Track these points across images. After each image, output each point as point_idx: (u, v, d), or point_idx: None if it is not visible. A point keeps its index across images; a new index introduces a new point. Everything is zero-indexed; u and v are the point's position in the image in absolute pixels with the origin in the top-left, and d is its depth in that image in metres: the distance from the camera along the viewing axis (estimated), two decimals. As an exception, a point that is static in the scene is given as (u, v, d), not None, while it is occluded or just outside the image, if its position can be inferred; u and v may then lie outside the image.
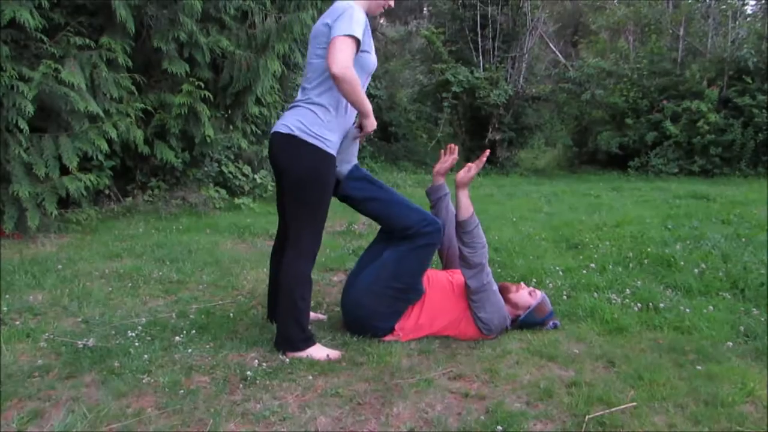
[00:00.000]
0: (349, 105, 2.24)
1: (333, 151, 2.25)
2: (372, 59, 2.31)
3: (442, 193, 2.72)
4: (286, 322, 2.25)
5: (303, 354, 2.23)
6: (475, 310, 2.41)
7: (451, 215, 2.67)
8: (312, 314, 2.62)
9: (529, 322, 2.54)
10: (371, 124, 2.28)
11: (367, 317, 2.40)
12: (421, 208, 2.43)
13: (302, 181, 2.20)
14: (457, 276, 2.64)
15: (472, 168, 2.52)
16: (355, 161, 2.42)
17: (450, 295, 2.49)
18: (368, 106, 2.21)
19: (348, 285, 2.51)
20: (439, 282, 2.54)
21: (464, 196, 2.47)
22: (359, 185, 2.38)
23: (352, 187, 2.37)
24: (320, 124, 2.20)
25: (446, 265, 2.78)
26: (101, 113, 4.33)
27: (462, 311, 2.44)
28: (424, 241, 2.36)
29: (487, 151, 2.63)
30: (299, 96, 2.30)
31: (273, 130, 2.29)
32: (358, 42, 2.11)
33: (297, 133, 2.18)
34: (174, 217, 5.23)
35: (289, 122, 2.22)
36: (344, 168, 2.37)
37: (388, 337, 2.41)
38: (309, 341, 2.27)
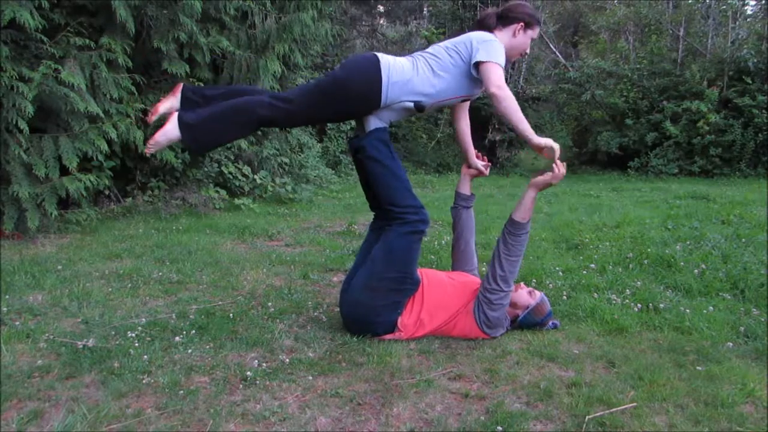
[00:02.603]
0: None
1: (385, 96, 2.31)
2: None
3: (470, 204, 2.84)
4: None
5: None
6: (487, 309, 2.40)
7: (469, 222, 2.81)
8: None
9: (528, 322, 2.54)
10: (536, 146, 2.33)
11: (366, 314, 2.40)
12: (417, 199, 2.42)
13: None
14: (456, 275, 2.65)
15: (550, 176, 2.37)
16: (387, 125, 2.42)
17: (449, 290, 2.50)
18: (526, 123, 2.29)
19: (344, 288, 2.52)
20: (438, 279, 2.55)
21: (531, 199, 2.41)
22: (377, 145, 2.37)
23: (369, 144, 2.37)
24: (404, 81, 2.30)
25: (455, 267, 2.82)
26: (101, 113, 4.32)
27: (461, 307, 2.45)
28: (409, 228, 2.36)
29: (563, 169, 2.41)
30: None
31: None
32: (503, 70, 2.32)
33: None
34: (174, 217, 5.23)
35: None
36: (374, 123, 2.38)
37: (389, 337, 2.41)
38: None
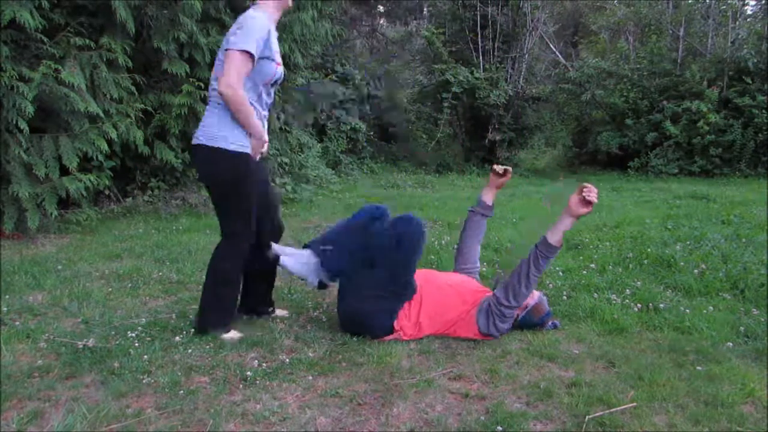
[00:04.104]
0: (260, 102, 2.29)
1: (247, 150, 2.26)
2: (272, 67, 2.28)
3: (488, 214, 2.86)
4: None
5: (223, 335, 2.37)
6: (498, 321, 2.41)
7: (482, 230, 2.85)
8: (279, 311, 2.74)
9: (527, 322, 2.54)
10: (257, 145, 2.30)
11: (363, 318, 2.40)
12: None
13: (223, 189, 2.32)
14: (454, 278, 2.65)
15: (585, 206, 2.33)
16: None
17: (449, 294, 2.49)
18: (255, 126, 2.25)
19: (341, 290, 2.52)
20: (438, 282, 2.54)
21: (567, 226, 2.38)
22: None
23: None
24: (224, 124, 2.23)
25: (456, 263, 2.85)
26: (101, 113, 4.33)
27: (463, 313, 2.44)
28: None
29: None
30: (209, 93, 2.34)
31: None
32: (251, 57, 2.15)
33: (203, 141, 2.24)
34: (174, 217, 5.23)
35: (198, 132, 2.28)
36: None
37: (389, 337, 2.41)
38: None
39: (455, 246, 3.05)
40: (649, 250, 3.74)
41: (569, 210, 2.36)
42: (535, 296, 2.54)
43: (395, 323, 2.41)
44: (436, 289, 2.50)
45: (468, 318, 2.43)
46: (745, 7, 11.55)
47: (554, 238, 2.37)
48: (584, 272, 3.38)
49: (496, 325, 2.40)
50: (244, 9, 2.30)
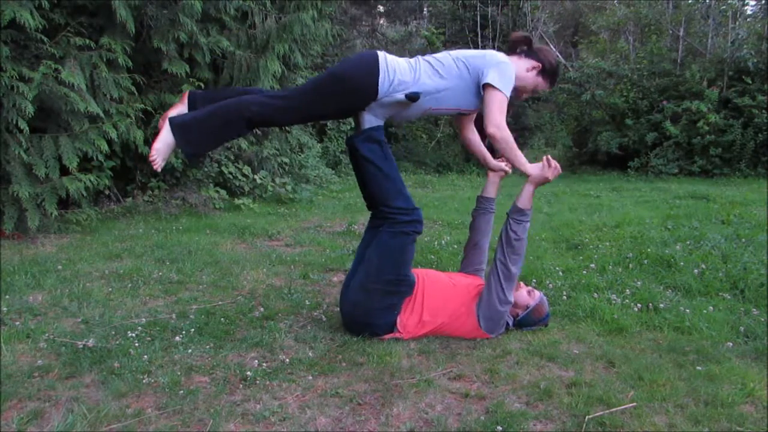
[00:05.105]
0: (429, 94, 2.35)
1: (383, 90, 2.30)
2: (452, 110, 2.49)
3: (491, 210, 2.84)
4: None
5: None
6: (496, 297, 2.42)
7: (487, 228, 2.83)
8: None
9: (527, 321, 2.54)
10: (540, 177, 2.42)
11: (363, 315, 2.41)
12: (411, 200, 2.42)
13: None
14: (455, 277, 2.65)
15: (548, 172, 2.43)
16: (381, 123, 2.41)
17: (450, 291, 2.50)
18: (520, 157, 2.40)
19: (344, 289, 2.53)
20: (439, 280, 2.55)
21: (530, 192, 2.45)
22: (371, 146, 2.38)
23: (362, 144, 2.37)
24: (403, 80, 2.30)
25: (462, 264, 2.85)
26: (101, 113, 4.32)
27: (464, 307, 2.45)
28: (400, 228, 2.37)
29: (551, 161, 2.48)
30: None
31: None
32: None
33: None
34: (174, 217, 5.23)
35: None
36: (368, 120, 2.38)
37: (390, 336, 2.41)
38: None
39: (455, 246, 3.05)
40: (649, 250, 3.74)
41: (532, 179, 2.45)
42: (536, 296, 2.55)
43: (397, 321, 2.41)
44: (439, 286, 2.51)
45: (468, 312, 2.44)
46: (745, 7, 11.55)
47: (521, 202, 2.44)
48: (584, 272, 3.38)
49: (499, 296, 2.39)
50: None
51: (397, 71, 2.31)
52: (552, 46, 12.71)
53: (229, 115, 2.29)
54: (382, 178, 2.38)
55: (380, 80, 2.28)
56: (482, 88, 2.33)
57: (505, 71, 2.32)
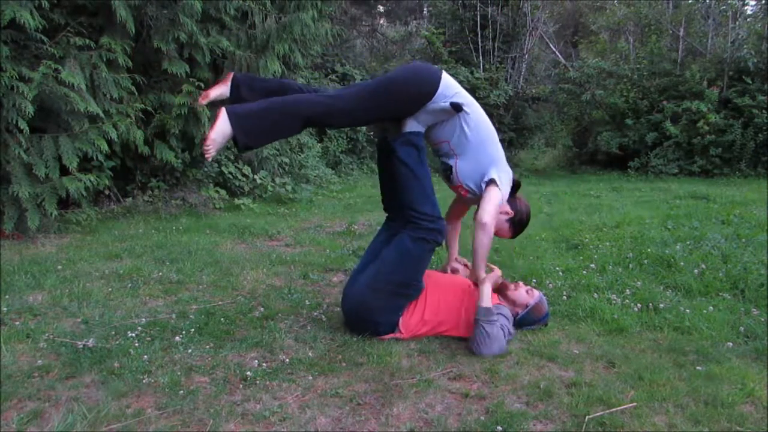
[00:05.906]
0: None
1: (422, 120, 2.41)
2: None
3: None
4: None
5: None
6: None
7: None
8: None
9: (526, 321, 2.55)
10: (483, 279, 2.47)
11: (368, 313, 2.40)
12: (438, 208, 2.45)
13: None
14: (460, 280, 2.66)
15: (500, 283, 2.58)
16: (422, 130, 2.45)
17: (452, 291, 2.50)
18: (482, 264, 2.47)
19: (349, 285, 2.52)
20: (442, 280, 2.56)
21: (489, 290, 2.43)
22: (409, 150, 2.40)
23: (402, 147, 2.40)
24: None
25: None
26: (101, 113, 4.32)
27: (466, 297, 2.47)
28: (422, 234, 2.37)
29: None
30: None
31: None
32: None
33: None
34: (174, 217, 5.23)
35: None
36: (411, 125, 2.41)
37: (390, 336, 2.41)
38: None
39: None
40: (649, 250, 3.74)
41: (487, 278, 2.47)
42: (535, 295, 2.55)
43: (399, 321, 2.42)
44: (442, 286, 2.52)
45: (468, 307, 2.44)
46: (745, 7, 11.55)
47: (486, 302, 2.37)
48: (584, 272, 3.38)
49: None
50: None
51: (451, 86, 2.40)
52: (552, 46, 12.72)
53: (286, 111, 2.27)
54: (414, 182, 2.40)
55: (439, 89, 2.34)
56: (485, 183, 2.42)
57: (505, 179, 2.47)
